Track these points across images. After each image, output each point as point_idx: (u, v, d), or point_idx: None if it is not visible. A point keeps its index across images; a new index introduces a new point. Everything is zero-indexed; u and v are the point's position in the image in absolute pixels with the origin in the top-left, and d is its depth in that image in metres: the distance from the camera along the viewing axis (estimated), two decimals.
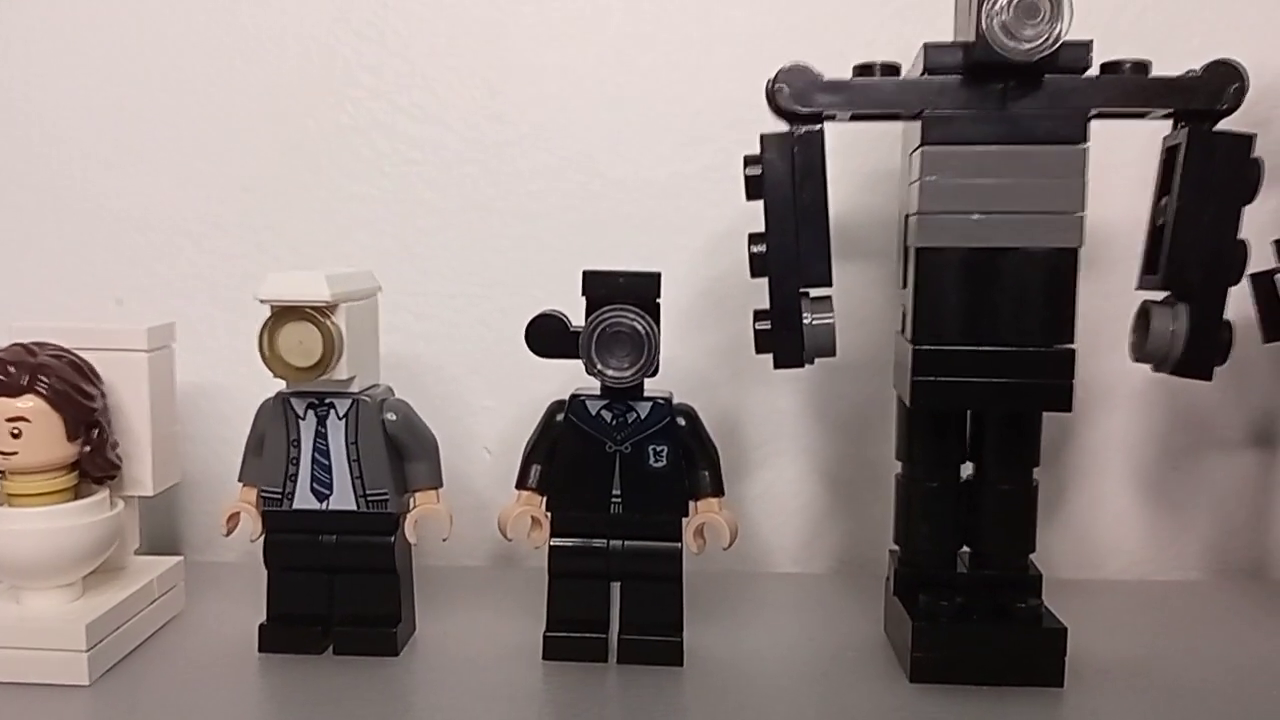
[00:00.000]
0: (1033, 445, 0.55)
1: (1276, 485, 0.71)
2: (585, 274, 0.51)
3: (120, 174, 0.72)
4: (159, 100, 0.72)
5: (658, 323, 0.52)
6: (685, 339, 0.70)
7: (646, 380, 0.54)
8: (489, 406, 0.71)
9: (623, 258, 0.66)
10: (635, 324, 0.49)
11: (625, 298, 0.50)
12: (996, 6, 0.46)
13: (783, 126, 0.52)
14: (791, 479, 0.72)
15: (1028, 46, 0.46)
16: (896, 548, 0.58)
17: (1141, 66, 0.50)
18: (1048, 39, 0.46)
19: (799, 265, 0.51)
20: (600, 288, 0.51)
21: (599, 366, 0.49)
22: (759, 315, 0.53)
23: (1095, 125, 0.50)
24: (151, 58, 0.71)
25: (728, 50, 0.69)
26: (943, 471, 0.56)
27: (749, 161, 0.52)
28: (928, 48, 0.50)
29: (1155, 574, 0.71)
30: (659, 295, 0.51)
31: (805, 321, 0.52)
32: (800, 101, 0.51)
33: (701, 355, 0.71)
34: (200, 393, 0.71)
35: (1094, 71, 0.50)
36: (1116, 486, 0.71)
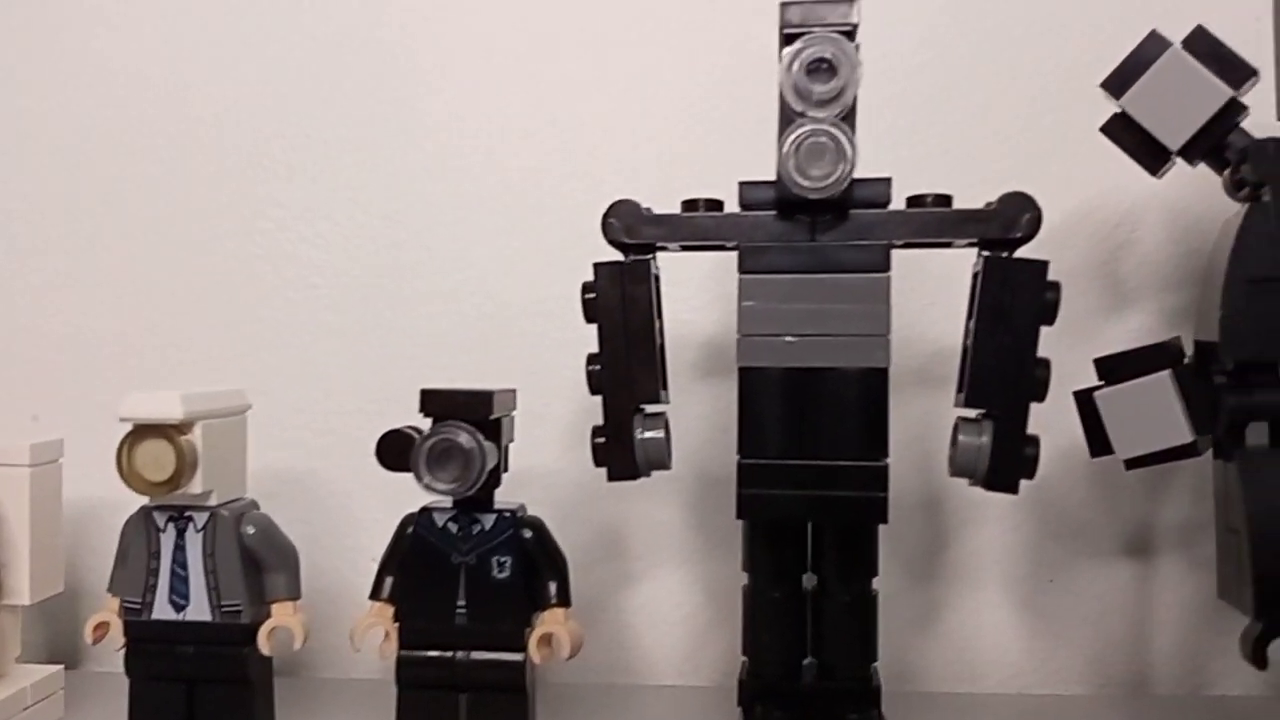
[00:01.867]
0: (869, 556, 0.57)
1: (1155, 599, 0.72)
2: (423, 392, 0.54)
3: (34, 292, 0.78)
4: (80, 221, 0.77)
5: (496, 439, 0.55)
6: (569, 452, 0.73)
7: (498, 492, 0.57)
8: (379, 519, 0.74)
9: (514, 375, 0.69)
10: (463, 441, 0.52)
11: (461, 415, 0.53)
12: (787, 149, 0.50)
13: (618, 255, 0.56)
14: (674, 590, 0.74)
15: (818, 185, 0.50)
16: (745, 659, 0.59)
17: (944, 199, 0.54)
18: (835, 178, 0.50)
19: (630, 383, 0.55)
20: (437, 405, 0.54)
21: (425, 481, 0.51)
22: (596, 431, 0.56)
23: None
24: (68, 180, 0.77)
25: (612, 184, 0.74)
26: (785, 582, 0.57)
27: (585, 288, 0.55)
28: (742, 185, 0.54)
29: (1036, 687, 0.71)
30: (493, 413, 0.54)
31: (638, 436, 0.55)
32: (628, 234, 0.55)
33: (585, 468, 0.72)
34: (105, 505, 0.74)
35: (900, 204, 0.54)
36: (994, 598, 0.72)
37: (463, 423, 0.52)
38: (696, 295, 0.73)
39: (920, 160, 0.72)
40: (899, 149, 0.72)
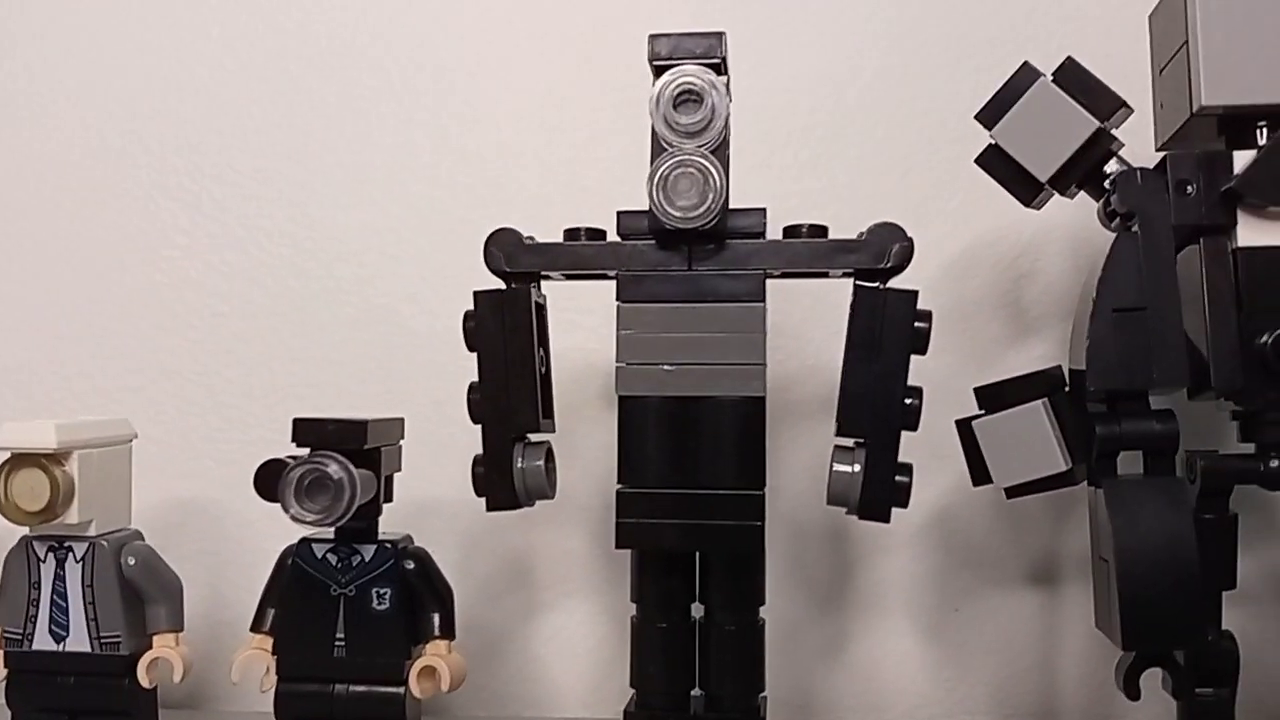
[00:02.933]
0: (755, 585, 0.57)
1: (1060, 628, 0.72)
2: (295, 421, 0.54)
3: None
4: None
5: (375, 469, 0.55)
6: None
7: (381, 522, 0.57)
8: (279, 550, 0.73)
9: (419, 404, 0.70)
10: (332, 471, 0.51)
11: (333, 444, 0.53)
12: (655, 180, 0.50)
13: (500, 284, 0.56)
14: (582, 620, 0.73)
15: (687, 215, 0.50)
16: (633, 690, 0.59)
17: (819, 230, 0.54)
18: (704, 208, 0.50)
19: (509, 413, 0.54)
20: (309, 435, 0.54)
21: (292, 511, 0.51)
22: (476, 460, 0.55)
23: None
24: None
25: (521, 213, 0.74)
26: (672, 612, 0.57)
27: (466, 317, 0.55)
28: (620, 214, 0.55)
29: (942, 717, 0.71)
30: (368, 442, 0.54)
31: (517, 466, 0.55)
32: (508, 263, 0.55)
33: None
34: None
35: (778, 234, 0.54)
36: (900, 627, 0.72)
37: (335, 453, 0.52)
38: (605, 324, 0.73)
39: (823, 192, 0.73)
40: (804, 180, 0.73)
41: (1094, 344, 0.50)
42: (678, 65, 0.50)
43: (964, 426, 0.56)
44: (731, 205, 0.52)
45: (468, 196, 0.75)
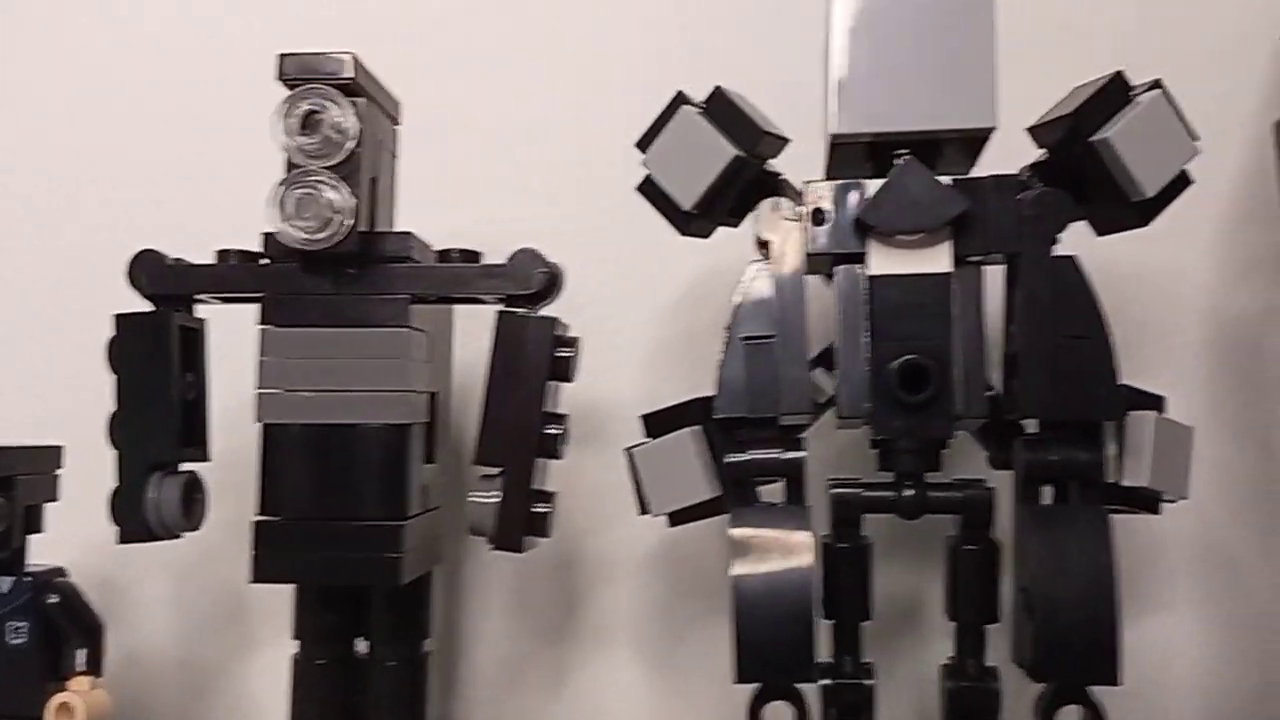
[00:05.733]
0: (419, 618, 0.56)
1: None
2: None
3: None
4: None
5: (10, 496, 0.53)
6: None
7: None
8: None
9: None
10: None
11: None
12: (275, 201, 0.49)
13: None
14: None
15: (312, 237, 0.49)
16: None
17: (471, 255, 0.53)
18: (328, 231, 0.49)
19: (143, 441, 0.53)
20: None
21: None
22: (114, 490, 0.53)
23: None
24: None
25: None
26: (333, 648, 0.56)
27: (110, 341, 0.54)
28: (266, 236, 0.53)
29: None
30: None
31: (150, 496, 0.52)
32: (153, 285, 0.54)
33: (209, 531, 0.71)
34: None
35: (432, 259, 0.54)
36: (625, 658, 0.71)
37: None
38: None
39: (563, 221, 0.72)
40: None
41: (724, 372, 0.50)
42: (305, 84, 0.49)
43: (628, 454, 0.55)
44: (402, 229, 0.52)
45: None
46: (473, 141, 0.71)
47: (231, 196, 0.69)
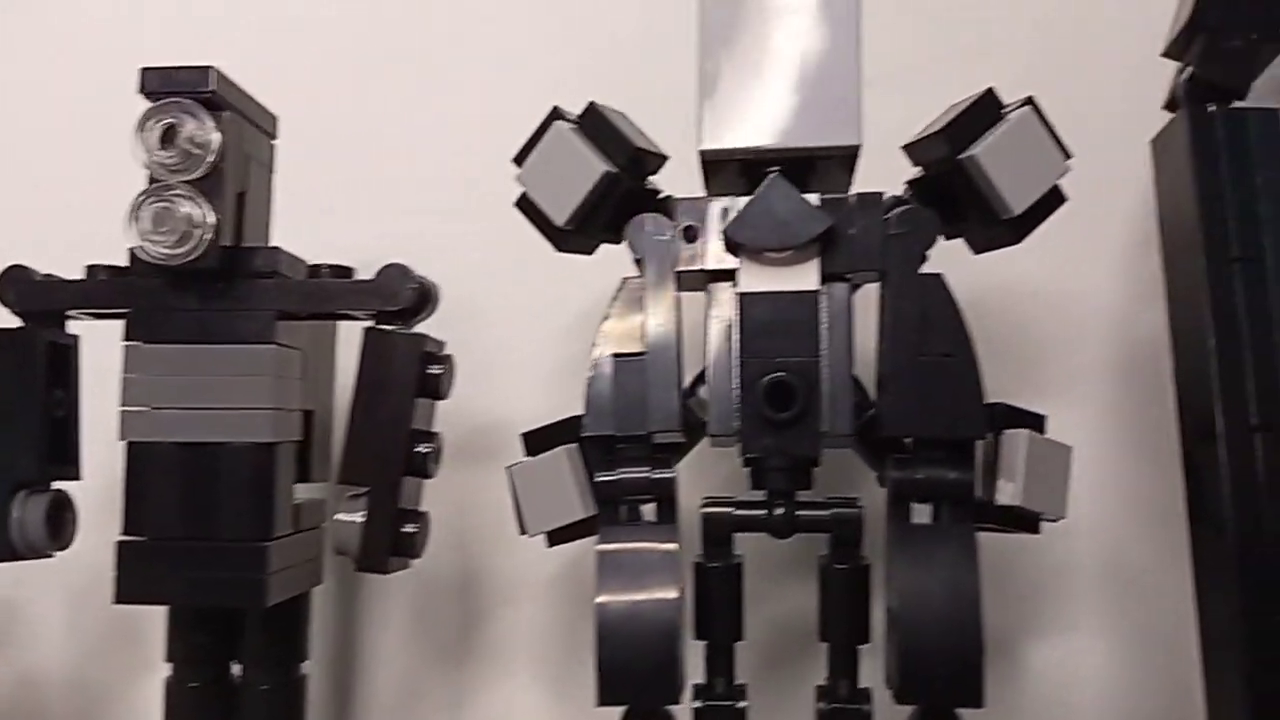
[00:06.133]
0: (295, 640, 0.55)
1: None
2: None
3: None
4: None
5: None
6: (89, 535, 0.69)
7: None
8: None
9: None
10: None
11: None
12: (131, 214, 0.48)
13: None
14: None
15: (171, 251, 0.49)
16: None
17: (343, 271, 0.53)
18: (188, 246, 0.49)
19: (8, 459, 0.52)
20: None
21: None
22: None
23: None
24: None
25: None
26: (205, 670, 0.55)
27: None
28: (132, 250, 0.52)
29: None
30: None
31: (14, 516, 0.51)
32: (22, 302, 0.53)
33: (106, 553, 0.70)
34: None
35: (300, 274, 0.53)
36: (525, 680, 0.70)
37: None
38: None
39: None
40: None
41: (592, 390, 0.50)
42: (165, 99, 0.49)
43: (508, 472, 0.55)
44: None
45: None
46: (373, 156, 0.71)
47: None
